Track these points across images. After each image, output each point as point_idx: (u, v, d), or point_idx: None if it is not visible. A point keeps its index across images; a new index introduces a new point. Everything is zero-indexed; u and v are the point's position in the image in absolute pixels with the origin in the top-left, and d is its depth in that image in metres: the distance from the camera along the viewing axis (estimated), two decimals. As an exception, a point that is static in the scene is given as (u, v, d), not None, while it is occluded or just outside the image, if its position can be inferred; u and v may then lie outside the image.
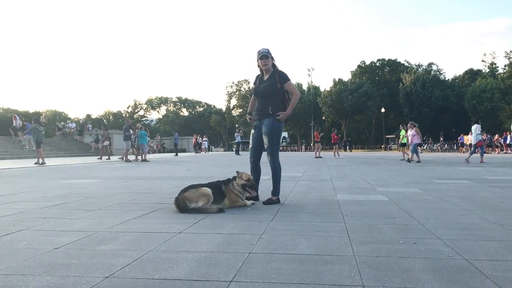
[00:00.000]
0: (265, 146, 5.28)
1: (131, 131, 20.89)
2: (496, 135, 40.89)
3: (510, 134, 36.14)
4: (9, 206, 5.18)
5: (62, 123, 44.66)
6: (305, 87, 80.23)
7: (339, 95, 67.00)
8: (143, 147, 20.48)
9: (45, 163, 16.67)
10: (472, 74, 73.05)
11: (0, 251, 2.97)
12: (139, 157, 20.53)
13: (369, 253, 2.85)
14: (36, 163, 16.51)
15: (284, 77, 5.22)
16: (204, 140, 46.44)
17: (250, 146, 5.51)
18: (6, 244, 3.20)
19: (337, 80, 72.94)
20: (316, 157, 22.69)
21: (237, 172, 5.09)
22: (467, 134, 42.37)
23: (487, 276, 2.35)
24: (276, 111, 5.18)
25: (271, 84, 5.18)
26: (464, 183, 8.01)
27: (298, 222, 4.04)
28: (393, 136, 72.21)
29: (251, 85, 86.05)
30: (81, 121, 46.34)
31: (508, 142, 36.43)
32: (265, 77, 5.28)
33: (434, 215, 4.38)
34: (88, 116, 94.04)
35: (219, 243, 3.17)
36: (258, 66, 5.33)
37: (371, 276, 2.36)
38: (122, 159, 20.37)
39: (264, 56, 5.18)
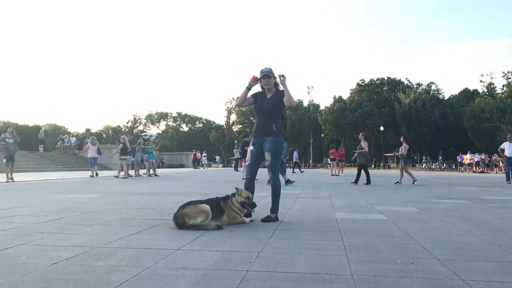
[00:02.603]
0: (267, 163, 5.29)
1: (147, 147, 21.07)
2: (495, 155, 40.95)
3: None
4: (7, 220, 5.17)
5: (66, 135, 44.81)
6: (305, 104, 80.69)
7: (341, 114, 67.45)
8: (150, 162, 20.85)
9: (13, 180, 14.53)
10: (468, 94, 73.45)
11: (-2, 266, 2.98)
12: (132, 173, 20.58)
13: (367, 272, 2.86)
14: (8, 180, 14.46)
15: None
16: (203, 156, 46.53)
17: (248, 162, 5.49)
18: (4, 258, 3.20)
19: (337, 97, 73.45)
20: (333, 175, 22.59)
21: (236, 188, 5.11)
22: (465, 153, 42.57)
23: (484, 297, 2.36)
24: (279, 128, 5.23)
25: (276, 102, 5.25)
26: (463, 203, 8.02)
27: (296, 240, 4.04)
28: (392, 154, 72.41)
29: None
30: (80, 136, 46.28)
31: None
32: (268, 95, 5.33)
33: (432, 234, 4.39)
34: (88, 130, 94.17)
35: (217, 260, 3.18)
36: (260, 84, 5.39)
37: (368, 296, 2.37)
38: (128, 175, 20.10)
39: (267, 76, 5.24)
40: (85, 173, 19.84)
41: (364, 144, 14.84)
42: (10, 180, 14.39)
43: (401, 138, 15.93)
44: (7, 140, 14.94)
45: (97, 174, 19.02)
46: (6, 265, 3.00)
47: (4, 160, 15.17)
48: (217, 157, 56.67)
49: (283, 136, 5.29)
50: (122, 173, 18.33)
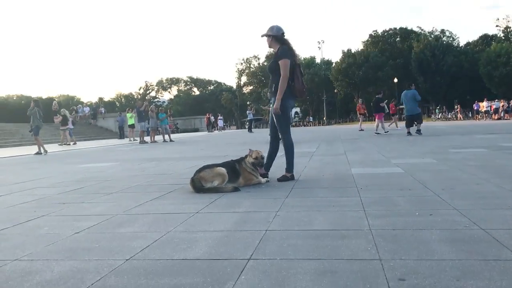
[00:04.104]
0: (276, 123, 5.27)
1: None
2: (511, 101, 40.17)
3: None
4: (29, 193, 5.28)
5: (79, 105, 45.13)
6: (318, 60, 79.52)
7: (348, 71, 66.38)
8: (164, 128, 21.19)
9: (47, 151, 14.66)
10: (486, 40, 71.20)
11: (23, 237, 3.05)
12: (148, 139, 20.96)
13: (385, 226, 2.86)
14: (37, 153, 14.43)
15: (280, 54, 5.07)
16: (219, 119, 46.43)
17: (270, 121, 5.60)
18: (28, 230, 3.28)
19: (346, 51, 72.07)
20: (360, 130, 22.17)
21: (249, 150, 5.12)
22: (482, 101, 41.76)
23: (504, 245, 2.35)
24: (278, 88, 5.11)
25: (273, 61, 5.16)
26: (480, 152, 7.93)
27: (313, 198, 4.05)
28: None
29: (261, 62, 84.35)
30: (94, 105, 46.53)
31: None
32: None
33: (450, 185, 4.36)
34: (101, 99, 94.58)
35: (236, 221, 3.21)
36: None
37: (387, 249, 2.37)
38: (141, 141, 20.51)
39: (266, 36, 5.18)
40: (101, 142, 20.07)
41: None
42: (42, 153, 14.33)
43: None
44: (28, 113, 14.77)
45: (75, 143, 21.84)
46: (30, 236, 3.08)
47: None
48: (220, 119, 47.74)
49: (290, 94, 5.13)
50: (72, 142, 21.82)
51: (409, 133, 15.22)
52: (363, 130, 21.97)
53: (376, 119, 19.06)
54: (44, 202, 4.56)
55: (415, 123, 15.33)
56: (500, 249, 2.30)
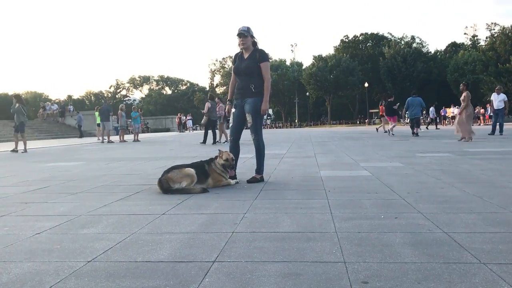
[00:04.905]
0: (249, 124, 5.26)
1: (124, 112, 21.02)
2: (477, 107, 41.35)
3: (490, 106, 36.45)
4: (-10, 192, 5.10)
5: (47, 102, 43.95)
6: (288, 63, 79.93)
7: (318, 75, 67.10)
8: (136, 127, 20.92)
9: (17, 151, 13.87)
10: (454, 47, 73.23)
11: (-20, 238, 2.93)
12: (112, 138, 20.64)
13: (351, 229, 2.88)
14: (14, 150, 13.85)
15: (263, 57, 5.18)
16: (188, 119, 46.20)
17: (231, 124, 5.50)
18: (-14, 230, 3.15)
19: (316, 56, 72.84)
20: (385, 131, 21.58)
21: (219, 151, 5.09)
22: (449, 107, 42.85)
23: (465, 249, 2.40)
24: (258, 89, 5.14)
25: (253, 62, 5.13)
26: (446, 156, 8.11)
27: (281, 200, 4.06)
28: (377, 110, 72.79)
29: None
30: (62, 103, 45.38)
31: (489, 114, 36.78)
32: (246, 56, 5.22)
33: (415, 189, 4.44)
34: (69, 97, 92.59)
35: (203, 223, 3.18)
36: (239, 44, 5.27)
37: (352, 252, 2.39)
38: (103, 140, 20.18)
39: (242, 35, 5.12)
40: (69, 141, 19.64)
41: (206, 105, 15.54)
42: (21, 151, 13.76)
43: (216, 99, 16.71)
44: (11, 110, 14.15)
45: None
46: (-12, 237, 2.96)
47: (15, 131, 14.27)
48: (189, 119, 47.08)
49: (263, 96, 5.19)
50: None
51: (416, 134, 17.32)
52: (387, 132, 21.57)
53: (389, 121, 19.97)
54: (5, 201, 4.41)
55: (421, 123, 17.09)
56: (461, 252, 2.35)
